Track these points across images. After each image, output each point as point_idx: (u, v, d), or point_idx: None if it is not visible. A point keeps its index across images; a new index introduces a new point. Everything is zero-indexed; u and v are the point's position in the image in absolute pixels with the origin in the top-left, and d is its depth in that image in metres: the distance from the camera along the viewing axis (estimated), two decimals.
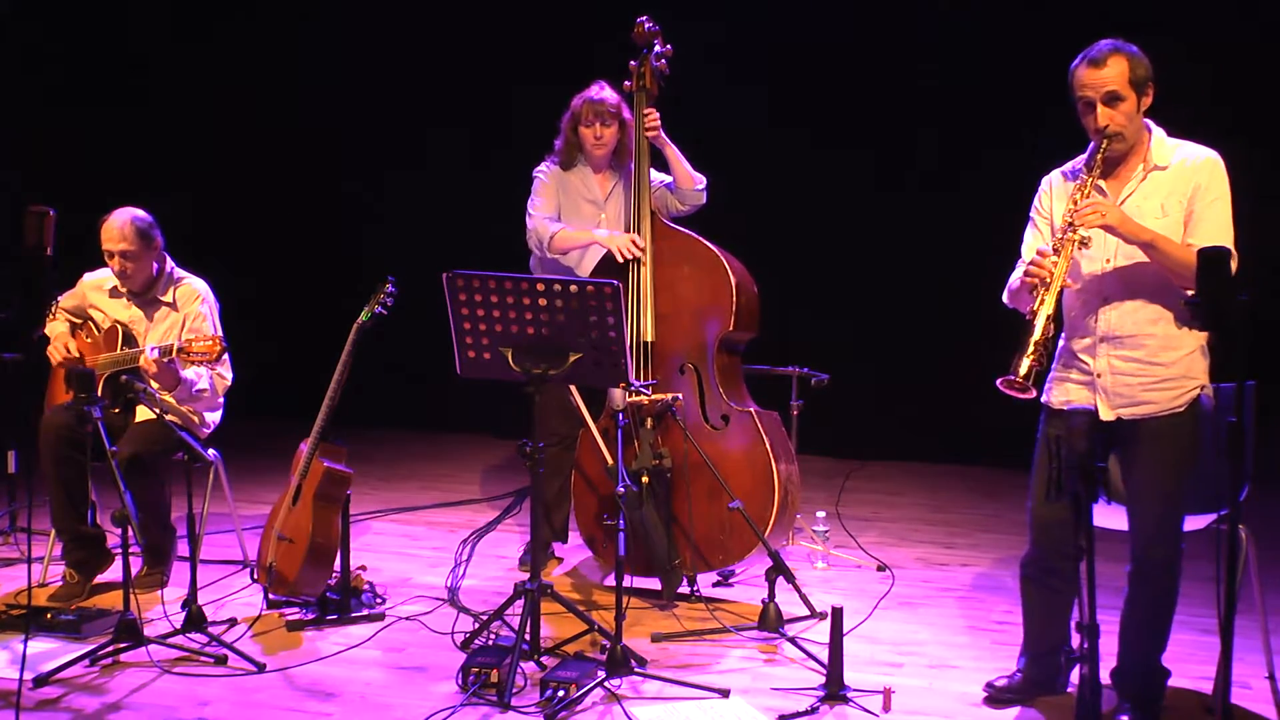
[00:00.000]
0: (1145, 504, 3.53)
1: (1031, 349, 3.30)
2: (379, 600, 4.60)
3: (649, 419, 4.58)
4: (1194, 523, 3.81)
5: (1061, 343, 3.60)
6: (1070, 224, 3.36)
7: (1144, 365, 3.46)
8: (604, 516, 4.64)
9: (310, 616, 4.42)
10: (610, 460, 4.44)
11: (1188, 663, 4.01)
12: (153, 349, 4.50)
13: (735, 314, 4.64)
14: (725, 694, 3.80)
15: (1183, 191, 3.42)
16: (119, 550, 4.32)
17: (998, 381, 3.34)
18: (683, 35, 4.90)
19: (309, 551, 4.39)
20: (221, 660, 4.04)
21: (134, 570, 4.38)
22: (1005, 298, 3.64)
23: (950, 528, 5.89)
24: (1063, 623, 3.71)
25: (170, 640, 4.11)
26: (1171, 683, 3.69)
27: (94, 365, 4.68)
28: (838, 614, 3.80)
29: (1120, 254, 3.45)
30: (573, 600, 4.41)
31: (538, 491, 4.21)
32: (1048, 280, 3.34)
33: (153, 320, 4.82)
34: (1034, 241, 3.62)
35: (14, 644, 4.04)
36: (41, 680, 3.84)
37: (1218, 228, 3.38)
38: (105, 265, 4.79)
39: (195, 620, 4.18)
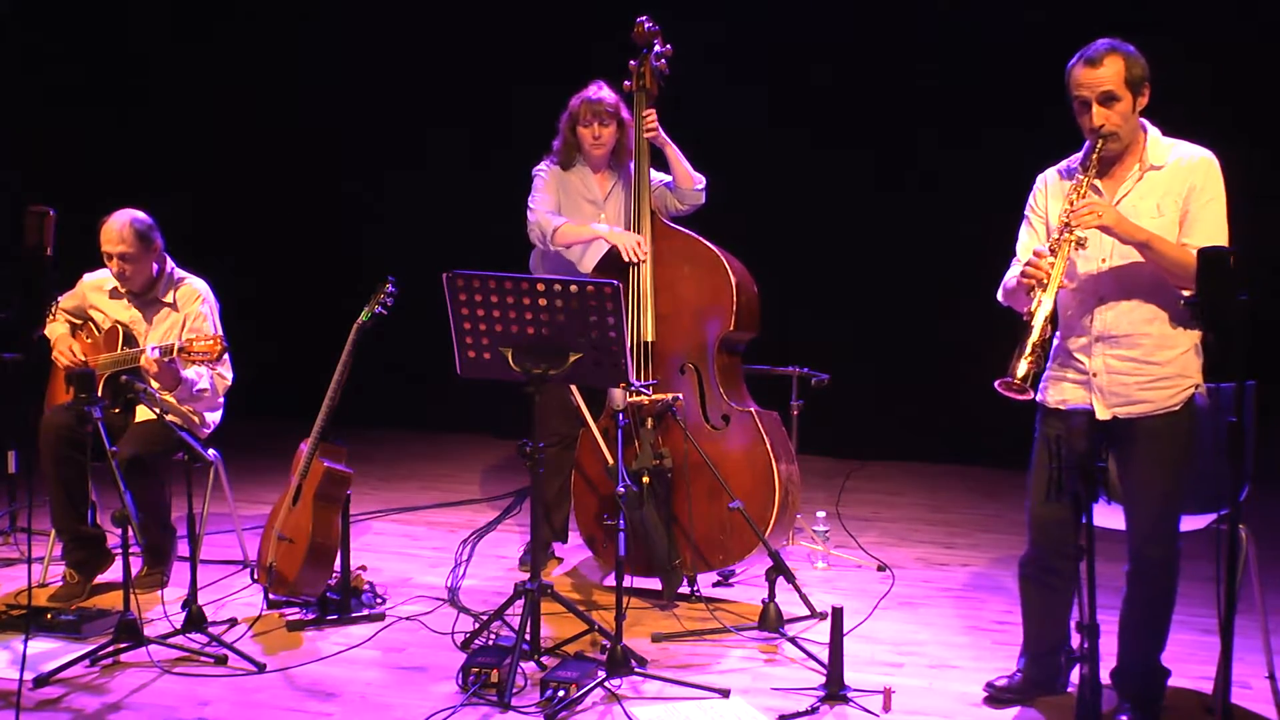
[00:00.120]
0: (1142, 503, 3.53)
1: (1029, 351, 3.30)
2: (379, 600, 4.60)
3: (649, 419, 4.58)
4: (1194, 522, 3.81)
5: (1057, 342, 3.60)
6: (1067, 224, 3.36)
7: (1139, 364, 3.47)
8: (604, 516, 4.65)
9: (310, 616, 4.42)
10: (610, 460, 4.44)
11: (1188, 663, 4.01)
12: (153, 348, 4.50)
13: (735, 314, 4.64)
14: (725, 694, 3.80)
15: (1178, 191, 3.42)
16: (119, 550, 4.32)
17: (996, 384, 3.34)
18: (683, 35, 4.90)
19: (309, 551, 4.39)
20: (222, 660, 4.04)
21: (134, 570, 4.38)
22: (1000, 296, 3.64)
23: (950, 528, 5.89)
24: (1062, 622, 3.71)
25: (170, 640, 4.11)
26: (1171, 683, 3.70)
27: (94, 365, 4.68)
28: (838, 614, 3.81)
29: (1116, 254, 3.45)
30: (573, 600, 4.41)
31: (538, 491, 4.21)
32: (1044, 281, 3.34)
33: (153, 321, 4.82)
34: (1029, 240, 3.62)
35: (14, 644, 4.04)
36: (42, 680, 3.84)
37: (1212, 228, 3.39)
38: (105, 266, 4.79)
39: (195, 620, 4.18)
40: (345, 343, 4.49)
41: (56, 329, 4.87)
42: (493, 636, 4.24)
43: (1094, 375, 3.51)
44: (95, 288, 4.88)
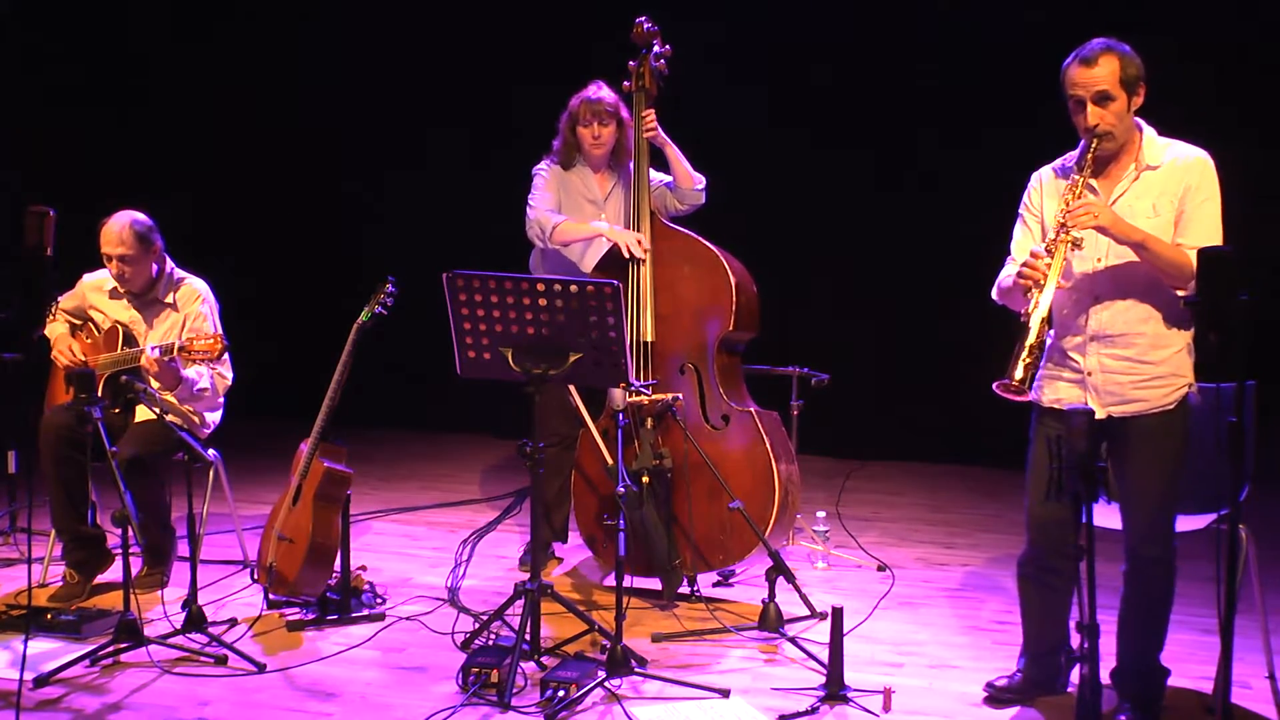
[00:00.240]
0: (1138, 502, 3.54)
1: (1027, 352, 3.31)
2: (379, 600, 4.60)
3: (649, 419, 4.58)
4: (1194, 522, 3.82)
5: (1051, 340, 3.59)
6: (1063, 225, 3.36)
7: (1134, 364, 3.47)
8: (604, 516, 4.65)
9: (310, 616, 4.42)
10: (610, 460, 4.45)
11: (1188, 663, 4.01)
12: (154, 348, 4.50)
13: (735, 314, 4.64)
14: (725, 694, 3.80)
15: (1174, 191, 3.42)
16: (119, 550, 4.32)
17: (994, 385, 3.34)
18: (682, 35, 4.91)
19: (309, 551, 4.39)
20: (222, 660, 4.04)
21: (134, 570, 4.38)
22: (995, 295, 3.64)
23: (950, 528, 5.89)
24: (1062, 622, 3.71)
25: (170, 640, 4.11)
26: (1171, 682, 3.70)
27: (94, 365, 4.68)
28: (838, 614, 3.81)
29: (1112, 253, 3.45)
30: (573, 600, 4.41)
31: (538, 491, 4.21)
32: (1041, 282, 3.34)
33: (153, 322, 4.82)
34: (1023, 239, 3.62)
35: (14, 644, 4.04)
36: (42, 680, 3.84)
37: (1208, 228, 3.39)
38: (105, 266, 4.79)
39: (195, 620, 4.18)
40: (345, 343, 4.49)
41: (56, 329, 4.86)
42: (493, 636, 4.24)
43: (1089, 374, 3.51)
44: (95, 288, 4.88)
